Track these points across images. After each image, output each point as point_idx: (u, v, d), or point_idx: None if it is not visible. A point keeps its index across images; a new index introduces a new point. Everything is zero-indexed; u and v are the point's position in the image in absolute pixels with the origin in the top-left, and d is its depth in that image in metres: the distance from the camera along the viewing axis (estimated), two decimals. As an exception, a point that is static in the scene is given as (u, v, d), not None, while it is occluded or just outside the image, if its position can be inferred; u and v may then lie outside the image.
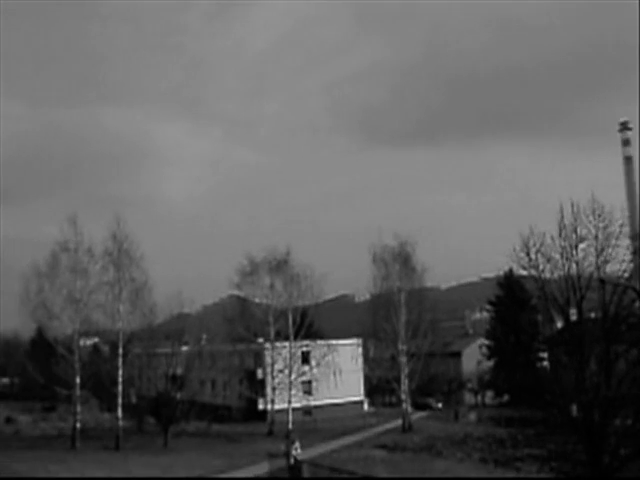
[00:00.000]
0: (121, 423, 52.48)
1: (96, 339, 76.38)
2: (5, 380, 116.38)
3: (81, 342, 54.81)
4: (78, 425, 51.86)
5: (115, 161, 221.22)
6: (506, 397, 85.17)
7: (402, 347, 62.93)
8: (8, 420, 69.02)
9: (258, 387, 76.05)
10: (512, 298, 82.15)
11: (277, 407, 64.43)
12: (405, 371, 63.28)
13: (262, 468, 36.94)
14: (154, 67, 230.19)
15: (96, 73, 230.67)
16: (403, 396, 63.59)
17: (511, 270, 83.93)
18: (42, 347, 69.55)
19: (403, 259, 64.13)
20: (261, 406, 74.35)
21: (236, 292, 70.91)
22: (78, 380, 52.20)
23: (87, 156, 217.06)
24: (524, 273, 27.98)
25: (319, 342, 70.65)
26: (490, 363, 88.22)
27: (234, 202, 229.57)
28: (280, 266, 65.29)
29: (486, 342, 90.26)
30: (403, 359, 63.21)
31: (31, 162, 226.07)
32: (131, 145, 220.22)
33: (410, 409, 63.99)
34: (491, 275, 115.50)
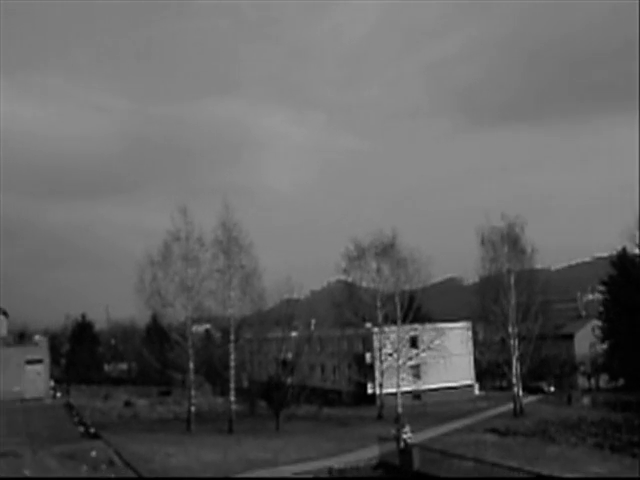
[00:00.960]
0: (234, 407, 53.59)
1: (208, 325, 78.13)
2: (123, 366, 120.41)
3: (193, 328, 56.07)
4: (193, 409, 53.23)
5: (222, 151, 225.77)
6: (621, 381, 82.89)
7: (512, 330, 61.98)
8: (127, 404, 71.42)
9: (367, 371, 76.35)
10: (626, 278, 79.74)
11: (386, 391, 64.57)
12: (516, 354, 62.32)
13: (372, 452, 37.07)
14: (255, 58, 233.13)
15: (200, 67, 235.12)
16: (514, 379, 62.64)
17: (624, 249, 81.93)
18: (157, 334, 71.67)
19: (512, 240, 63.07)
20: (370, 390, 74.63)
21: (343, 277, 71.34)
22: (192, 365, 53.53)
23: (194, 147, 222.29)
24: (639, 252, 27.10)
25: (427, 326, 70.33)
26: (604, 346, 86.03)
27: (338, 188, 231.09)
28: (387, 250, 65.26)
29: (599, 324, 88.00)
30: (513, 342, 62.25)
31: (142, 155, 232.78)
32: (236, 135, 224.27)
33: (521, 393, 62.99)
34: (604, 255, 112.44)
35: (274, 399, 55.17)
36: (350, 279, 69.45)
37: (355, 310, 68.60)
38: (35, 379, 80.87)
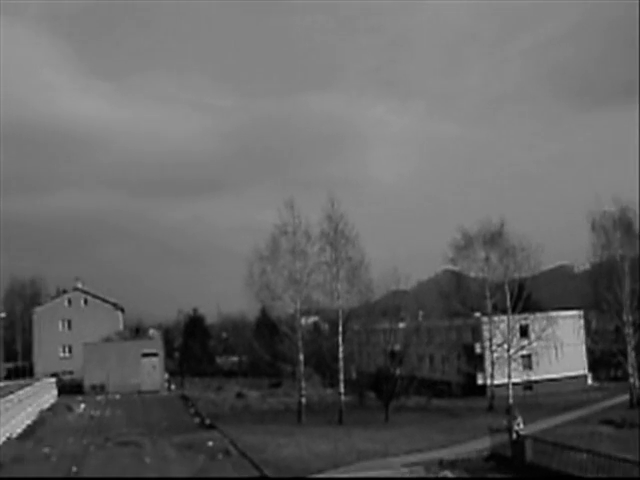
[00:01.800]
0: (343, 398, 53.95)
1: (316, 317, 78.88)
2: (234, 358, 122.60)
3: (302, 321, 56.66)
4: (303, 400, 53.87)
5: (325, 145, 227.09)
6: None
7: (627, 318, 60.07)
8: (239, 395, 72.81)
9: (476, 362, 75.60)
10: None
11: (496, 382, 63.74)
12: (631, 343, 60.35)
13: (483, 443, 36.68)
14: (355, 50, 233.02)
15: (300, 63, 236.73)
16: (630, 370, 60.73)
17: None
18: (266, 326, 72.78)
19: (625, 226, 61.10)
20: (480, 381, 73.86)
21: (451, 267, 70.72)
22: (301, 357, 54.12)
23: (298, 142, 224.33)
24: None
25: (538, 315, 68.98)
26: None
27: (443, 176, 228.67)
28: (495, 238, 64.31)
29: None
30: (628, 331, 60.35)
31: (247, 152, 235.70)
32: (339, 128, 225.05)
33: (638, 383, 61.06)
34: None
35: (383, 390, 55.26)
36: (457, 269, 68.81)
37: (463, 300, 67.95)
38: (151, 372, 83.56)
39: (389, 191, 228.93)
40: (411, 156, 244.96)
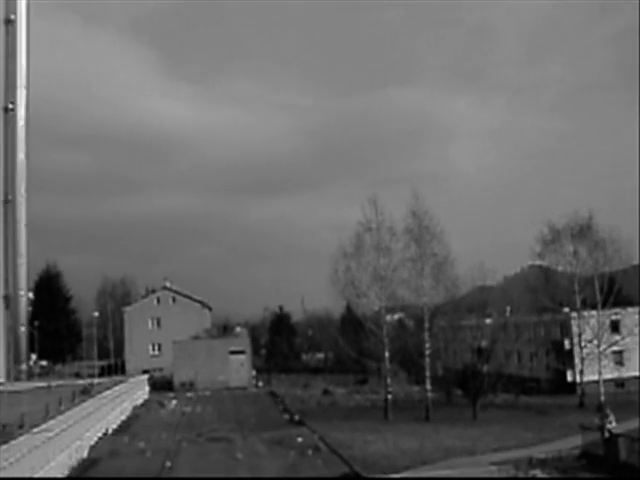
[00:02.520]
0: (430, 395, 53.68)
1: (401, 314, 78.60)
2: (320, 355, 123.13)
3: (387, 317, 56.60)
4: (389, 397, 53.82)
5: (407, 140, 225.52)
6: None
7: None
8: (325, 392, 73.15)
9: (566, 358, 74.12)
10: None
11: (587, 378, 62.36)
12: None
13: (574, 441, 35.96)
14: (434, 44, 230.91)
15: (378, 59, 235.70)
16: None
17: None
18: (352, 323, 72.85)
19: None
20: (570, 377, 72.38)
21: (538, 262, 69.53)
22: (387, 354, 54.09)
23: (380, 138, 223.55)
24: None
25: (630, 309, 67.21)
26: None
27: (527, 169, 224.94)
28: (583, 231, 62.87)
29: None
30: None
31: (329, 150, 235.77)
32: (420, 123, 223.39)
33: None
34: None
35: (470, 387, 54.75)
36: (545, 263, 67.61)
37: (551, 295, 66.73)
38: (238, 369, 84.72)
39: (473, 185, 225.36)
40: (494, 149, 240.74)
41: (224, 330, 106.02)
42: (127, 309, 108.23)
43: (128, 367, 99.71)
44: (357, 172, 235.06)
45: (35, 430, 33.55)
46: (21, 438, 31.50)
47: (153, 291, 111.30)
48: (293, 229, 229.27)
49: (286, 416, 55.18)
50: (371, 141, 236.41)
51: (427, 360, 54.20)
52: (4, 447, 28.44)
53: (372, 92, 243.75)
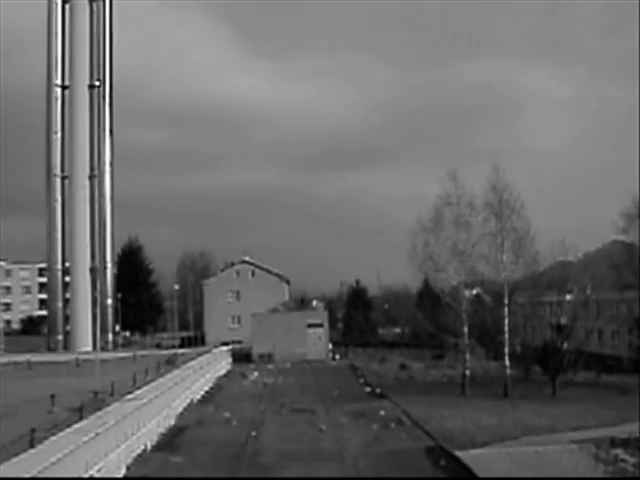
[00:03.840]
0: (508, 372, 53.14)
1: (479, 289, 77.83)
2: (396, 329, 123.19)
3: (465, 292, 56.15)
4: (467, 372, 53.52)
5: (485, 113, 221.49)
6: None
7: None
8: (402, 366, 73.15)
9: (649, 336, 72.34)
10: None
11: (672, 357, 60.83)
12: None
13: (658, 421, 35.22)
14: (512, 17, 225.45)
15: (456, 30, 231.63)
16: None
17: None
18: (429, 298, 72.59)
19: None
20: (653, 356, 70.66)
21: (621, 237, 67.91)
22: (465, 329, 53.72)
23: (458, 111, 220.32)
24: None
25: None
26: None
27: (610, 142, 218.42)
28: (670, 205, 61.08)
29: None
30: None
31: (406, 123, 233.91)
32: (498, 96, 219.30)
33: None
34: None
35: (549, 365, 53.97)
36: (629, 239, 65.96)
37: (635, 272, 65.04)
38: (316, 342, 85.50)
39: (553, 159, 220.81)
40: (575, 122, 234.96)
41: (302, 303, 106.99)
42: (207, 282, 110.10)
43: (208, 339, 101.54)
44: (435, 145, 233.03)
45: (125, 398, 34.80)
46: (114, 405, 32.79)
47: (232, 264, 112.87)
48: (370, 202, 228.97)
49: (367, 389, 55.53)
50: (449, 114, 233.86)
51: (506, 336, 53.60)
52: (99, 413, 29.62)
53: (448, 64, 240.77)
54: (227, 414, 42.03)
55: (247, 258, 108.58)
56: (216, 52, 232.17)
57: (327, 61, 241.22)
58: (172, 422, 38.93)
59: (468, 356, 54.60)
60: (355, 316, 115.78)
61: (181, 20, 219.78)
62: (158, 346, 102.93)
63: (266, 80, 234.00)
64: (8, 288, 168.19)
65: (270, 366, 77.19)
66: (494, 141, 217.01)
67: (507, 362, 53.45)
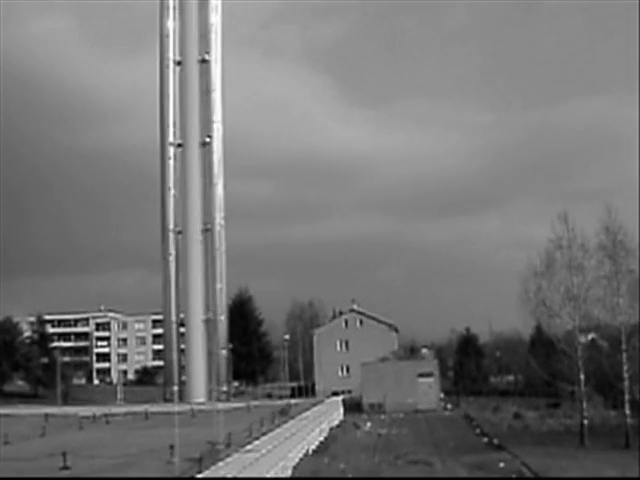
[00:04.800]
0: (629, 420, 51.03)
1: (594, 334, 75.49)
2: (509, 377, 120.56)
3: (581, 338, 54.59)
4: (585, 422, 51.70)
5: (594, 152, 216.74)
6: None
7: None
8: (516, 416, 71.39)
9: None
10: None
11: None
12: None
13: None
14: (614, 52, 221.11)
15: (558, 69, 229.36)
16: None
17: None
18: (542, 344, 70.81)
19: None
20: None
21: None
22: (582, 376, 52.04)
23: (564, 152, 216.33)
24: None
25: None
26: None
27: None
28: None
29: None
30: None
31: (509, 166, 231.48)
32: (607, 134, 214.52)
33: None
34: None
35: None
36: None
37: None
38: (427, 391, 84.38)
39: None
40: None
41: (411, 352, 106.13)
42: (316, 331, 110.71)
43: (317, 388, 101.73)
44: (541, 188, 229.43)
45: (243, 449, 35.08)
46: (233, 456, 33.09)
47: (341, 313, 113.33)
48: (476, 248, 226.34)
49: (484, 439, 54.35)
50: (555, 155, 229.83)
51: (625, 383, 51.60)
52: (220, 464, 30.01)
53: (553, 105, 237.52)
54: (342, 465, 41.68)
55: (355, 307, 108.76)
56: (320, 103, 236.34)
57: (430, 106, 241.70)
58: (288, 473, 38.96)
59: (585, 404, 52.77)
60: (466, 364, 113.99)
61: (284, 73, 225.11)
62: (269, 396, 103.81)
63: (369, 129, 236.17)
64: (124, 340, 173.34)
65: (382, 416, 76.44)
66: (605, 181, 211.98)
67: (627, 410, 51.34)
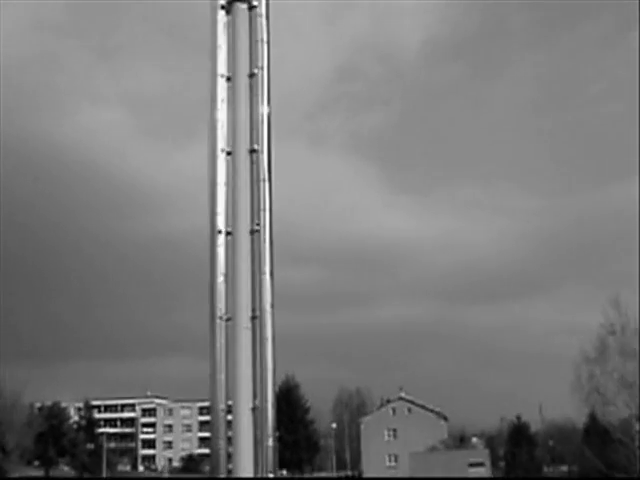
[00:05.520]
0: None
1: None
2: (563, 468, 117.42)
3: (637, 426, 53.24)
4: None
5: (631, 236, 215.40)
6: None
7: None
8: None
9: None
10: None
11: None
12: None
13: None
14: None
15: (602, 153, 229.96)
16: None
17: None
18: (597, 433, 68.99)
19: None
20: None
21: None
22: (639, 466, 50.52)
23: (614, 235, 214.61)
24: None
25: None
26: None
27: None
28: None
29: None
30: None
31: (557, 251, 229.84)
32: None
33: None
34: None
35: None
36: None
37: None
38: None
39: None
40: None
41: (461, 441, 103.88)
42: (363, 420, 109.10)
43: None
44: (593, 272, 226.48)
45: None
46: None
47: (388, 401, 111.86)
48: (525, 334, 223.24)
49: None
50: (605, 238, 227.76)
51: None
52: None
53: (600, 188, 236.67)
54: None
55: (403, 394, 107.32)
56: (365, 190, 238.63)
57: (475, 193, 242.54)
58: None
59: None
60: (518, 454, 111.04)
61: (330, 161, 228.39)
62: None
63: (415, 215, 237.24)
64: (170, 426, 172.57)
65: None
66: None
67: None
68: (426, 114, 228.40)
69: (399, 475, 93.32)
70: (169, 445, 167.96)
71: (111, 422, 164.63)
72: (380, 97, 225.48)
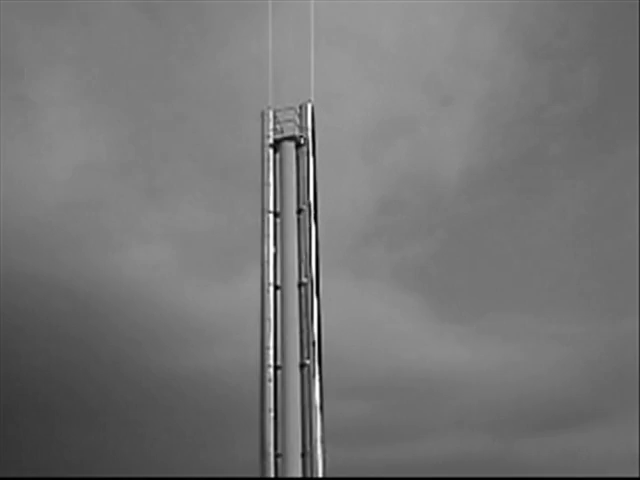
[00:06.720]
0: None
1: None
2: None
3: None
4: None
5: None
6: None
7: None
8: None
9: None
10: None
11: None
12: None
13: None
14: None
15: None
16: None
17: None
18: None
19: None
20: None
21: None
22: None
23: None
24: None
25: None
26: None
27: None
28: None
29: None
30: None
31: (611, 376, 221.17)
32: None
33: None
34: None
35: None
36: None
37: None
38: None
39: None
40: None
41: None
42: None
43: None
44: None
45: None
46: None
47: None
48: (583, 464, 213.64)
49: None
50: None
51: None
52: None
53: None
54: None
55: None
56: (411, 320, 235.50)
57: (521, 321, 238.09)
58: None
59: None
60: None
61: (376, 293, 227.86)
62: None
63: (462, 345, 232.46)
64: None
65: None
66: None
67: None
68: (468, 243, 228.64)
69: None
70: None
71: None
72: (423, 228, 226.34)
